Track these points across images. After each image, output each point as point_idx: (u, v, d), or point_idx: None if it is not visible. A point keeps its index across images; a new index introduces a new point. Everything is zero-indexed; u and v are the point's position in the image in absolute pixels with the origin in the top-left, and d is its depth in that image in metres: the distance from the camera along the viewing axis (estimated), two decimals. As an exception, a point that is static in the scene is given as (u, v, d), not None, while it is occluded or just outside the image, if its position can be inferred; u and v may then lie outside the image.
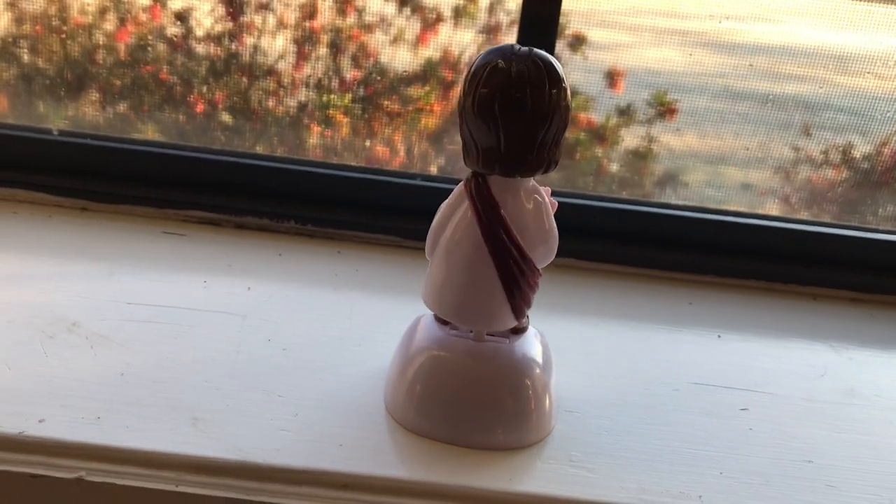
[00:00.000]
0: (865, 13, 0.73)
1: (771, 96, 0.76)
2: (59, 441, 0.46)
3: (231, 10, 0.77)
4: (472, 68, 0.45)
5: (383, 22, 0.78)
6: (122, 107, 0.80)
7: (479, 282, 0.47)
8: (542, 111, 0.44)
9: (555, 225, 0.48)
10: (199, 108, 0.80)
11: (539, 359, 0.52)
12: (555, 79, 0.44)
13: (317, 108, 0.80)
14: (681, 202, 0.78)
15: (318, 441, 0.48)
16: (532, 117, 0.44)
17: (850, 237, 0.74)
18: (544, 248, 0.48)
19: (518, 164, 0.45)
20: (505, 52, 0.44)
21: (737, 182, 0.80)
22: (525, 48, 0.45)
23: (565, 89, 0.45)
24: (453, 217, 0.49)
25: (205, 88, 0.79)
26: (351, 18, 0.77)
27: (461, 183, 0.49)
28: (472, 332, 0.51)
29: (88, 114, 0.80)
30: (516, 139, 0.45)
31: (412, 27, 0.77)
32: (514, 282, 0.47)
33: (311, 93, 0.80)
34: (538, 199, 0.48)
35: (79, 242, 0.69)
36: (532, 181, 0.48)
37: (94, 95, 0.80)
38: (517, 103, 0.44)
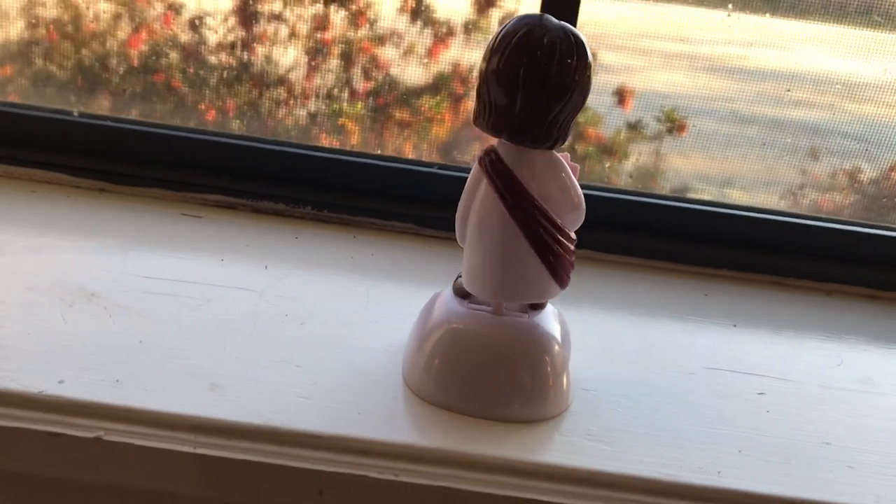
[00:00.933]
0: (874, 41, 0.74)
1: (779, 121, 0.76)
2: (78, 401, 0.46)
3: (244, 19, 0.78)
4: (502, 31, 0.45)
5: (394, 35, 0.78)
6: (133, 113, 0.80)
7: (516, 256, 0.47)
8: (564, 84, 0.44)
9: (580, 189, 0.48)
10: (210, 115, 0.80)
11: (558, 335, 0.51)
12: (582, 55, 0.45)
13: (327, 117, 0.80)
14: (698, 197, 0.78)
15: (338, 408, 0.48)
16: (553, 89, 0.44)
17: (865, 234, 0.74)
18: (573, 215, 0.48)
19: (528, 133, 0.45)
20: (538, 19, 0.45)
21: (744, 205, 0.80)
22: (556, 20, 0.45)
23: (590, 67, 0.45)
24: (475, 199, 0.49)
25: (216, 96, 0.80)
26: (363, 30, 0.78)
27: (474, 163, 0.49)
28: (490, 305, 0.51)
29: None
30: (532, 107, 0.45)
31: (423, 41, 0.78)
32: (549, 250, 0.47)
33: (321, 103, 0.80)
34: (558, 166, 0.48)
35: (97, 222, 0.69)
36: (547, 151, 0.48)
37: (106, 102, 0.80)
38: (543, 72, 0.44)
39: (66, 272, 0.59)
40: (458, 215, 0.50)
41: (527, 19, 0.45)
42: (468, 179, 0.50)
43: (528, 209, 0.47)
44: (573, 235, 0.49)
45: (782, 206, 0.79)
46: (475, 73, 0.76)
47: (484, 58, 0.46)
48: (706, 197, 0.78)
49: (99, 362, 0.49)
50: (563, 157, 0.49)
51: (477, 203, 0.49)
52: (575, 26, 0.68)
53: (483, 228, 0.48)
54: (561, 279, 0.49)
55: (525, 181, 0.47)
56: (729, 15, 0.73)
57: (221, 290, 0.60)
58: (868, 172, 0.78)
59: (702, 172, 0.80)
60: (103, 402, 0.46)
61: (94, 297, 0.57)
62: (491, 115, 0.46)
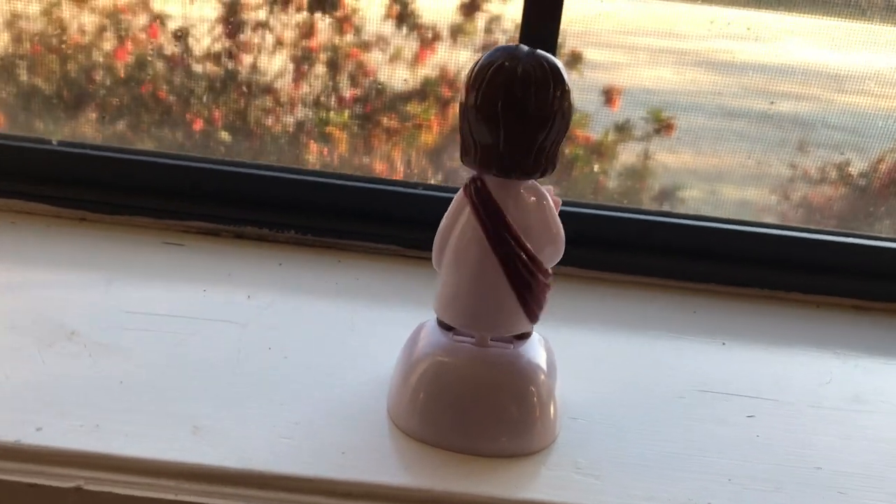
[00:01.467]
0: (860, 32, 0.74)
1: (766, 114, 0.76)
2: (56, 449, 0.45)
3: (229, 28, 0.77)
4: (477, 66, 0.44)
5: (381, 40, 0.77)
6: (120, 125, 0.80)
7: (491, 288, 0.47)
8: (543, 113, 0.44)
9: (560, 223, 0.48)
10: (197, 125, 0.79)
11: (543, 364, 0.51)
12: (559, 81, 0.44)
13: (315, 125, 0.79)
14: (681, 211, 0.78)
15: (321, 449, 0.47)
16: (534, 119, 0.44)
17: (852, 245, 0.74)
18: (552, 248, 0.48)
19: (516, 164, 0.45)
20: (511, 51, 0.44)
21: (734, 199, 0.80)
22: (529, 49, 0.45)
23: (568, 92, 0.45)
24: (456, 225, 0.48)
25: (203, 106, 0.79)
26: (349, 37, 0.77)
27: (460, 190, 0.48)
28: (474, 337, 0.50)
29: (87, 132, 0.80)
30: (516, 140, 0.44)
31: (410, 46, 0.77)
32: (525, 285, 0.47)
33: (308, 111, 0.79)
34: (540, 198, 0.47)
35: (77, 253, 0.68)
36: (531, 181, 0.47)
37: (93, 114, 0.79)
38: (520, 104, 0.43)
39: (46, 309, 0.59)
40: (436, 239, 0.50)
41: (499, 51, 0.44)
42: (451, 204, 0.49)
43: (508, 241, 0.46)
44: (550, 272, 0.48)
45: (773, 200, 0.79)
46: (462, 77, 0.76)
47: (461, 94, 0.45)
48: (696, 193, 0.78)
49: (78, 406, 0.48)
50: (546, 189, 0.48)
51: (458, 230, 0.48)
52: (559, 24, 0.69)
53: (461, 256, 0.48)
54: (532, 314, 0.48)
55: (508, 212, 0.46)
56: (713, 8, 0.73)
57: (203, 323, 0.59)
58: (857, 164, 0.78)
59: (691, 168, 0.80)
60: (82, 450, 0.45)
61: (75, 335, 0.56)
62: (477, 153, 0.45)
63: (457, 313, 0.49)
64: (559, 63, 0.45)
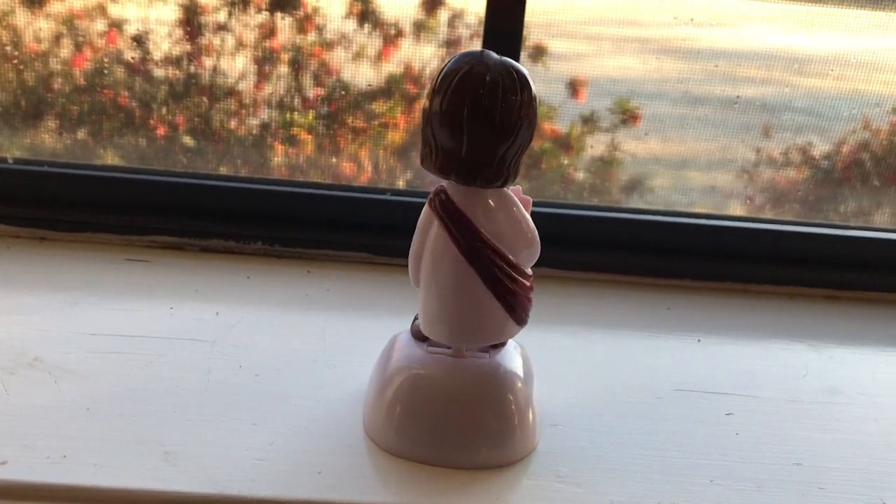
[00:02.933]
0: (820, 15, 0.74)
1: (731, 100, 0.76)
2: (23, 483, 0.44)
3: (189, 31, 0.75)
4: (443, 71, 0.43)
5: (344, 39, 0.76)
6: (81, 133, 0.78)
7: (474, 301, 0.46)
8: (509, 122, 0.43)
9: (532, 224, 0.47)
10: (160, 131, 0.78)
11: (520, 372, 0.50)
12: (526, 89, 0.43)
13: (280, 126, 0.78)
14: (651, 207, 0.77)
15: (296, 469, 0.46)
16: (499, 128, 0.43)
17: (822, 235, 0.74)
18: (528, 251, 0.47)
19: (476, 172, 0.44)
20: (478, 57, 0.43)
21: (702, 185, 0.80)
22: (497, 56, 0.44)
23: (535, 102, 0.44)
24: (427, 241, 0.47)
25: (165, 111, 0.77)
26: (311, 36, 0.76)
27: (425, 205, 0.47)
28: (450, 348, 0.49)
29: (46, 141, 0.78)
30: (479, 148, 0.43)
31: (373, 43, 0.76)
32: (509, 292, 0.46)
33: (273, 112, 0.78)
34: (509, 203, 0.46)
35: (39, 273, 0.66)
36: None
37: (52, 123, 0.77)
38: (487, 112, 0.43)
39: (7, 335, 0.57)
40: (410, 257, 0.49)
41: (467, 57, 0.43)
42: (419, 220, 0.48)
43: (481, 250, 0.45)
44: (529, 272, 0.47)
45: (738, 185, 0.79)
46: (426, 74, 0.76)
47: (426, 98, 0.44)
48: (664, 182, 0.78)
49: (45, 437, 0.47)
50: (514, 190, 0.47)
51: (429, 244, 0.47)
52: (523, 16, 0.68)
53: (437, 271, 0.47)
54: (520, 318, 0.48)
55: (477, 221, 0.45)
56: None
57: (171, 342, 0.58)
58: (820, 146, 0.79)
59: (658, 157, 0.80)
60: (49, 483, 0.44)
61: (38, 361, 0.54)
62: (438, 158, 0.44)
63: (444, 329, 0.48)
64: (526, 71, 0.44)
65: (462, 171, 0.44)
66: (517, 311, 0.47)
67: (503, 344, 0.51)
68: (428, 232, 0.47)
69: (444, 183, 0.46)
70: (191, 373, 0.54)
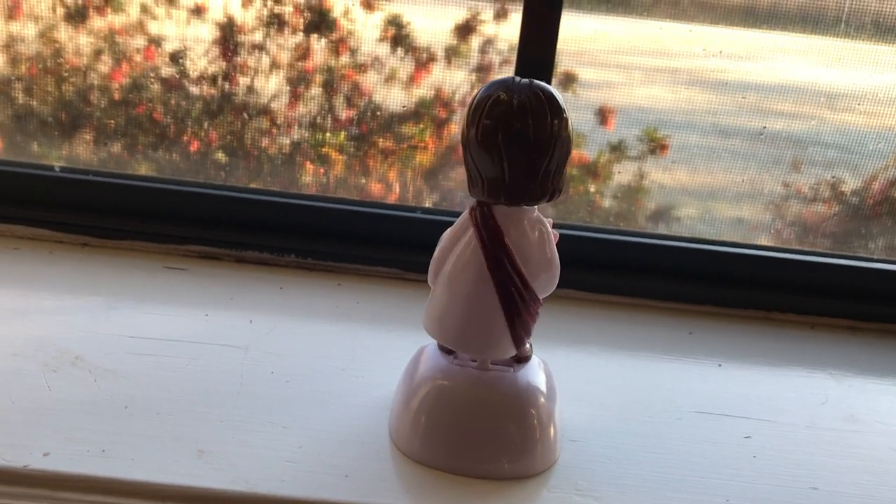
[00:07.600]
0: (852, 51, 0.75)
1: (759, 132, 0.77)
2: (63, 474, 0.46)
3: (225, 50, 0.78)
4: (475, 100, 0.45)
5: (377, 62, 0.79)
6: (116, 147, 0.81)
7: (481, 310, 0.48)
8: (543, 141, 0.45)
9: (556, 255, 0.49)
10: (194, 147, 0.80)
11: (543, 388, 0.52)
12: (556, 109, 0.45)
13: (311, 145, 0.80)
14: (678, 234, 0.79)
15: (324, 472, 0.48)
16: (534, 147, 0.45)
17: (846, 266, 0.75)
18: (546, 276, 0.48)
19: (522, 193, 0.46)
20: (506, 83, 0.45)
21: (729, 217, 0.81)
22: (525, 80, 0.46)
23: (566, 119, 0.46)
24: (456, 246, 0.49)
25: (199, 128, 0.80)
26: (344, 58, 0.79)
27: (465, 211, 0.49)
28: (475, 361, 0.51)
29: (83, 154, 0.81)
30: (520, 169, 0.45)
31: (405, 67, 0.79)
32: (516, 310, 0.47)
33: (304, 131, 0.80)
34: (542, 228, 0.48)
35: (80, 278, 0.69)
36: (536, 211, 0.48)
37: (89, 135, 0.80)
38: (519, 134, 0.44)
39: (50, 334, 0.59)
40: (435, 256, 0.50)
41: (496, 85, 0.46)
42: (455, 223, 0.50)
43: (506, 266, 0.47)
44: (540, 301, 0.49)
45: (767, 217, 0.80)
46: (457, 99, 0.78)
47: (462, 130, 0.46)
48: (691, 212, 0.79)
49: (85, 431, 0.49)
50: (547, 220, 0.49)
51: (458, 249, 0.49)
52: (555, 44, 0.70)
53: (457, 276, 0.49)
54: (519, 340, 0.49)
55: (510, 238, 0.47)
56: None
57: (206, 347, 0.60)
58: (850, 182, 0.79)
59: (686, 187, 0.81)
60: (89, 475, 0.46)
61: (79, 360, 0.57)
62: (483, 184, 0.46)
63: (444, 331, 0.50)
64: (555, 91, 0.46)
65: (509, 193, 0.46)
66: (518, 331, 0.49)
67: (527, 359, 0.52)
68: (460, 237, 0.49)
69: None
70: (224, 376, 0.56)
